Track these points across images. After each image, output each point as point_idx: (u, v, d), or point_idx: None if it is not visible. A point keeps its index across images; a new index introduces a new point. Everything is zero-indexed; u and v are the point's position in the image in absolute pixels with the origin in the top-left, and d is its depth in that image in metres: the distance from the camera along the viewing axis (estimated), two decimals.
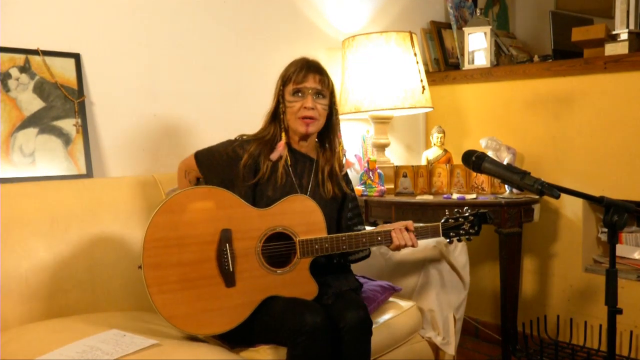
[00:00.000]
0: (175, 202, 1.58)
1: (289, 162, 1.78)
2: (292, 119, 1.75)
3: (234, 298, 1.60)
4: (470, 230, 1.80)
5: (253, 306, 1.61)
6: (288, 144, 1.80)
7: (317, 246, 1.67)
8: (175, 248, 1.56)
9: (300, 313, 1.54)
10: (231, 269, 1.60)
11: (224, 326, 1.58)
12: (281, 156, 1.76)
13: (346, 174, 1.94)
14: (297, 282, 1.67)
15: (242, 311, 1.60)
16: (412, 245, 1.76)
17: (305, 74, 1.73)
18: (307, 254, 1.67)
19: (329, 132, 1.83)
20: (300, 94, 1.74)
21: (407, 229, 1.76)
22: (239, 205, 1.65)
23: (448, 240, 1.81)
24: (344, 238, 1.70)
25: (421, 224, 1.81)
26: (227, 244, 1.60)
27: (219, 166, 1.78)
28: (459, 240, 1.82)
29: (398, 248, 1.77)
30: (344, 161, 1.88)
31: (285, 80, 1.76)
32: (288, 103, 1.75)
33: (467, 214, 1.80)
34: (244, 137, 1.82)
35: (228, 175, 1.76)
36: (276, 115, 1.79)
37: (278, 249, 1.68)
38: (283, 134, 1.77)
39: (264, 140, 1.78)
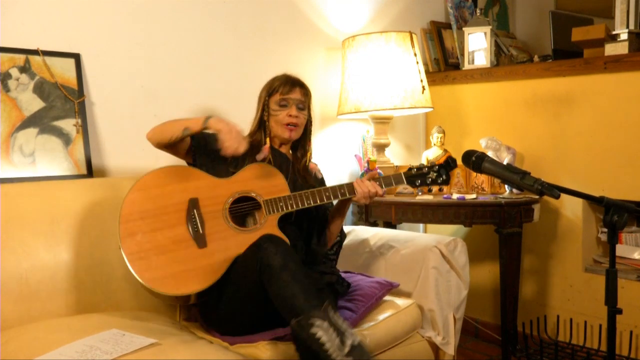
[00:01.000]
0: (145, 181, 1.73)
1: (272, 163, 1.90)
2: (276, 126, 1.93)
3: (208, 257, 1.67)
4: (439, 180, 1.84)
5: (227, 263, 1.67)
6: (270, 146, 1.95)
7: (281, 203, 1.76)
8: (148, 219, 1.67)
9: (260, 247, 1.58)
10: (201, 231, 1.69)
11: (202, 283, 1.63)
12: (265, 158, 1.90)
13: (322, 178, 2.09)
14: None
15: (217, 268, 1.65)
16: (377, 193, 1.81)
17: (292, 87, 1.92)
18: (272, 211, 1.76)
19: (303, 139, 2.01)
20: (285, 104, 1.91)
21: (370, 179, 1.83)
22: (204, 177, 1.78)
23: (416, 187, 1.85)
24: (307, 194, 1.78)
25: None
26: (195, 210, 1.71)
27: (208, 147, 1.87)
28: (430, 190, 1.88)
29: (364, 197, 1.81)
30: (309, 166, 2.02)
31: (271, 91, 1.93)
32: (273, 112, 1.92)
33: (432, 165, 1.86)
34: None
35: (213, 158, 1.85)
36: (262, 123, 1.95)
37: (245, 209, 1.78)
38: (267, 139, 1.94)
39: (251, 144, 1.91)
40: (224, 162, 1.84)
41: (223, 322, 1.72)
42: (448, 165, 1.84)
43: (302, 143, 2.01)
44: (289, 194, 1.78)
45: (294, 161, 1.99)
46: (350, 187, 1.81)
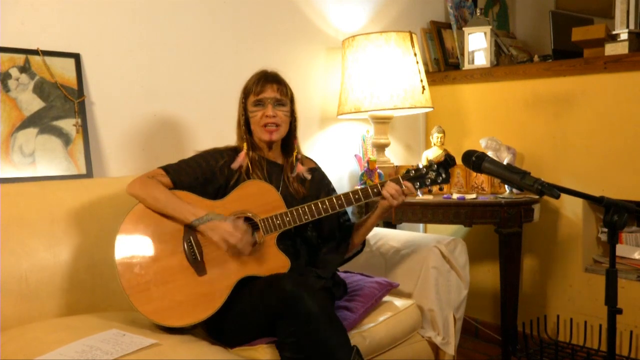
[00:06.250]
0: (140, 209, 1.68)
1: (250, 170, 1.82)
2: (256, 129, 1.84)
3: (208, 285, 1.63)
4: (439, 179, 1.79)
5: (228, 290, 1.63)
6: (259, 155, 1.86)
7: (278, 221, 1.71)
8: (145, 249, 1.64)
9: (277, 285, 1.56)
10: (199, 258, 1.65)
11: (204, 312, 1.60)
12: (242, 165, 1.82)
13: (323, 174, 2.00)
14: (267, 258, 1.69)
15: (218, 296, 1.62)
16: (410, 190, 1.78)
17: (264, 85, 1.82)
18: (270, 230, 1.71)
19: (289, 137, 1.90)
20: (261, 104, 1.82)
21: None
22: (198, 201, 1.72)
23: (416, 189, 1.79)
24: (304, 209, 1.72)
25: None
26: (191, 236, 1.66)
27: (192, 175, 1.80)
28: (430, 191, 1.84)
29: (393, 198, 1.77)
30: (296, 167, 1.90)
31: (246, 93, 1.86)
32: (251, 113, 1.84)
33: (429, 164, 1.81)
34: (216, 149, 1.88)
35: (201, 182, 1.80)
36: (240, 128, 1.87)
37: None
38: (245, 144, 1.84)
39: (234, 153, 1.86)
40: (213, 184, 1.80)
41: (223, 336, 1.70)
42: (447, 163, 1.79)
43: (288, 142, 1.91)
44: (285, 211, 1.71)
45: (285, 166, 1.89)
46: (347, 196, 1.75)
